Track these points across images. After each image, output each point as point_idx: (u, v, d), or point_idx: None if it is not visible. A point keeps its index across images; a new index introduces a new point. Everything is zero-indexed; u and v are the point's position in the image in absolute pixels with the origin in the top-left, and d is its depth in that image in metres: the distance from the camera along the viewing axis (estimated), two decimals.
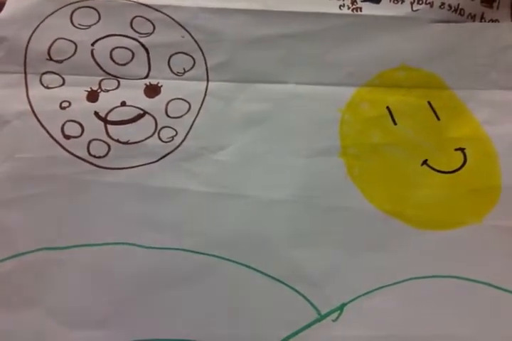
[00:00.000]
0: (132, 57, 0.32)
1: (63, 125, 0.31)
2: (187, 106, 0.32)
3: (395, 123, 0.33)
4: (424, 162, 0.32)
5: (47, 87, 0.32)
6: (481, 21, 0.34)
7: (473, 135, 0.33)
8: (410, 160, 0.32)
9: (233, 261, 0.30)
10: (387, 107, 0.33)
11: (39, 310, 0.29)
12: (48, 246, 0.30)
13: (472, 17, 0.34)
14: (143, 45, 0.32)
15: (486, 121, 0.33)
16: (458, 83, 0.33)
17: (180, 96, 0.32)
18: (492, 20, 0.34)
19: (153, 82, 0.32)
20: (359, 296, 0.30)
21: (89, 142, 0.31)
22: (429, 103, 0.33)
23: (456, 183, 0.32)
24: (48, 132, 0.31)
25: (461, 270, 0.30)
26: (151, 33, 0.33)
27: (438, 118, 0.33)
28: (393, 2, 0.34)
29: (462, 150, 0.33)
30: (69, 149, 0.31)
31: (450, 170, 0.32)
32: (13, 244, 0.29)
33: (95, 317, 0.29)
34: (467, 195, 0.32)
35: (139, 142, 0.31)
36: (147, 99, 0.32)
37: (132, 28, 0.32)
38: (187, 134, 0.32)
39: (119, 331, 0.29)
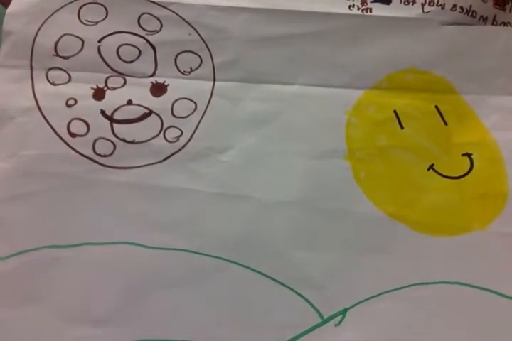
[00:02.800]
0: (139, 55, 0.32)
1: (69, 123, 0.31)
2: (193, 105, 0.32)
3: (402, 127, 0.32)
4: (431, 166, 0.32)
5: (53, 84, 0.31)
6: (492, 24, 0.33)
7: (480, 140, 0.32)
8: (417, 165, 0.32)
9: (236, 263, 0.30)
10: (394, 111, 0.32)
11: (41, 307, 0.28)
12: (51, 244, 0.29)
13: (484, 19, 0.33)
14: (150, 43, 0.32)
15: (493, 126, 0.32)
16: (467, 87, 0.32)
17: (186, 96, 0.32)
18: (504, 23, 0.33)
19: (160, 80, 0.32)
20: (362, 301, 0.30)
21: (95, 141, 0.31)
22: (436, 107, 0.32)
23: (462, 189, 0.32)
24: (53, 129, 0.31)
25: (465, 276, 0.30)
26: (158, 31, 0.32)
27: (445, 123, 0.32)
28: (404, 3, 0.33)
29: (469, 155, 0.32)
30: (74, 147, 0.30)
31: (456, 175, 0.32)
32: (16, 241, 0.29)
33: (97, 315, 0.29)
34: (473, 201, 0.31)
35: (144, 141, 0.31)
36: (153, 98, 0.31)
37: (139, 25, 0.32)
38: (192, 134, 0.31)
39: (120, 330, 0.28)
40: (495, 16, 0.33)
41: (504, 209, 0.31)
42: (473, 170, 0.32)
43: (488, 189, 0.32)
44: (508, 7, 0.33)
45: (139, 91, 0.31)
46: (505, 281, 0.30)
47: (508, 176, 0.32)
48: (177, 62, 0.32)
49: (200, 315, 0.29)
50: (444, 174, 0.32)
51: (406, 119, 0.32)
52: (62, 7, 0.32)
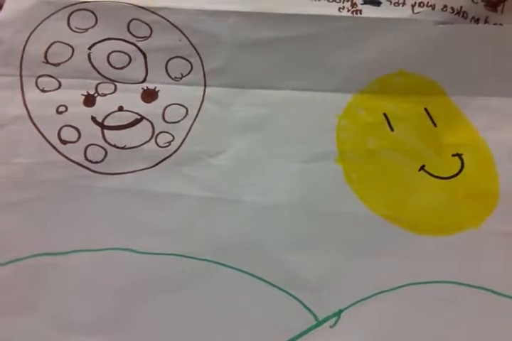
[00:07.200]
0: (129, 61, 0.31)
1: (60, 130, 0.30)
2: (184, 111, 0.31)
3: (392, 130, 0.32)
4: (422, 167, 0.31)
5: (43, 91, 0.30)
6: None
7: (470, 141, 0.31)
8: (408, 166, 0.31)
9: (229, 267, 0.29)
10: (384, 114, 0.31)
11: (36, 315, 0.28)
12: (46, 251, 0.29)
13: (476, 20, 0.32)
14: (140, 49, 0.31)
15: (483, 127, 0.31)
16: (456, 89, 0.31)
17: (177, 102, 0.31)
18: (496, 25, 0.32)
19: (151, 86, 0.31)
20: (356, 302, 0.29)
21: (86, 147, 0.30)
22: (425, 109, 0.32)
23: (454, 189, 0.31)
24: (44, 137, 0.30)
25: (460, 275, 0.29)
26: (148, 37, 0.31)
27: (435, 125, 0.32)
28: (394, 5, 0.32)
29: (459, 156, 0.31)
30: (65, 154, 0.30)
31: (447, 175, 0.31)
32: (10, 249, 0.29)
33: (92, 322, 0.28)
34: (465, 201, 0.31)
35: (135, 147, 0.30)
36: (144, 104, 0.31)
37: (129, 31, 0.31)
38: (184, 139, 0.31)
39: (116, 337, 0.28)
40: (487, 18, 0.32)
41: (496, 208, 0.30)
42: (464, 170, 0.31)
43: (480, 188, 0.31)
44: (499, 9, 0.32)
45: (129, 98, 0.31)
46: (499, 279, 0.29)
47: (499, 175, 0.31)
48: (168, 68, 0.31)
49: (193, 320, 0.28)
50: (435, 175, 0.31)
51: (396, 122, 0.31)
52: (51, 15, 0.31)
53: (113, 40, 0.31)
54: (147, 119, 0.31)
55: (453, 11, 0.32)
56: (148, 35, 0.31)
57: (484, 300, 0.29)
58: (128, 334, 0.28)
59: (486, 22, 0.32)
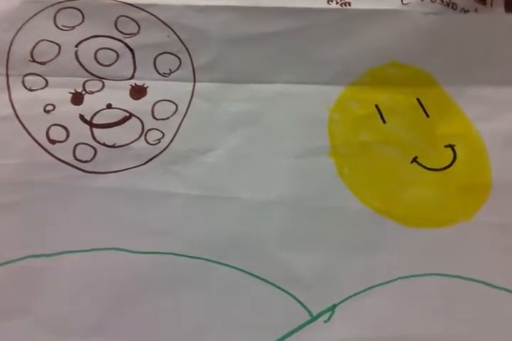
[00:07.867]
0: (117, 58, 0.30)
1: (48, 129, 0.30)
2: (174, 107, 0.30)
3: (384, 122, 0.31)
4: (414, 159, 0.31)
5: (30, 90, 0.30)
6: None
7: (462, 132, 0.31)
8: (400, 158, 0.31)
9: (224, 264, 0.29)
10: (376, 105, 0.31)
11: (27, 318, 0.27)
12: (35, 253, 0.28)
13: (465, 12, 0.32)
14: (128, 46, 0.31)
15: (476, 117, 0.31)
16: (448, 80, 0.31)
17: (166, 98, 0.30)
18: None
19: (139, 83, 0.31)
20: (350, 296, 0.29)
21: (75, 146, 0.29)
22: (418, 100, 0.31)
23: (446, 180, 0.31)
24: (32, 137, 0.29)
25: (453, 268, 0.29)
26: (136, 33, 0.31)
27: (427, 116, 0.31)
28: None
29: (452, 147, 0.31)
30: (54, 154, 0.29)
31: (440, 167, 0.31)
32: (2, 251, 0.28)
33: (84, 324, 0.28)
34: (457, 193, 0.30)
35: (125, 145, 0.30)
36: (133, 100, 0.30)
37: (117, 28, 0.31)
38: (174, 136, 0.30)
39: (112, 338, 0.27)
40: (476, 10, 0.32)
41: (488, 200, 0.30)
42: (456, 161, 0.31)
43: (472, 180, 0.31)
44: (488, 2, 0.32)
45: (118, 95, 0.30)
46: (492, 271, 0.29)
47: (491, 166, 0.31)
48: (156, 64, 0.31)
49: (188, 318, 0.28)
50: (428, 166, 0.31)
51: (388, 113, 0.31)
52: (37, 13, 0.30)
53: (100, 37, 0.30)
54: (136, 116, 0.30)
55: (442, 2, 0.31)
56: (136, 31, 0.31)
57: (477, 292, 0.29)
58: (124, 335, 0.28)
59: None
